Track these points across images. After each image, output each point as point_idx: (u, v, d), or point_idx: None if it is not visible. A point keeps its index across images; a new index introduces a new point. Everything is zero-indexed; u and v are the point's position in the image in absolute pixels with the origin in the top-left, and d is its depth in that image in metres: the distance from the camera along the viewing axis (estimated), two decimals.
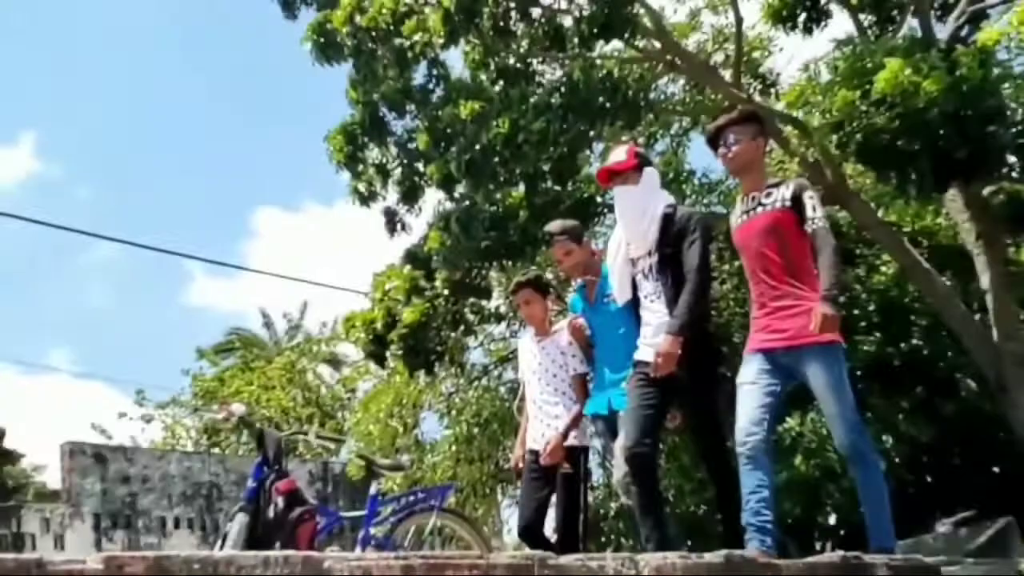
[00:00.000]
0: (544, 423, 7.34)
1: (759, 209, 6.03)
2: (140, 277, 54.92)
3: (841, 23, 14.18)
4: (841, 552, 5.23)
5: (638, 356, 6.37)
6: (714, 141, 6.26)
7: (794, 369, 5.87)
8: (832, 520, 13.98)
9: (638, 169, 6.57)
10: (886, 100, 10.47)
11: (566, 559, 4.36)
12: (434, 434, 21.65)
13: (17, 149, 54.19)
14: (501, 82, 13.35)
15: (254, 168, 54.97)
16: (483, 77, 13.60)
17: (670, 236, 6.33)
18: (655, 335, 6.27)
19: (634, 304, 6.60)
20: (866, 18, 13.83)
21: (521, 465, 7.73)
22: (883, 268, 14.36)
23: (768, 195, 6.02)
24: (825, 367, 5.74)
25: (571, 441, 7.25)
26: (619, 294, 6.72)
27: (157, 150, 53.79)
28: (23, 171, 52.56)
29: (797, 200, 5.90)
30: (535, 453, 7.40)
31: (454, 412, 20.47)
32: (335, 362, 31.28)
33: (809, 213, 5.87)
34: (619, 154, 6.74)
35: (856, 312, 14.23)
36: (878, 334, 14.14)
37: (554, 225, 7.59)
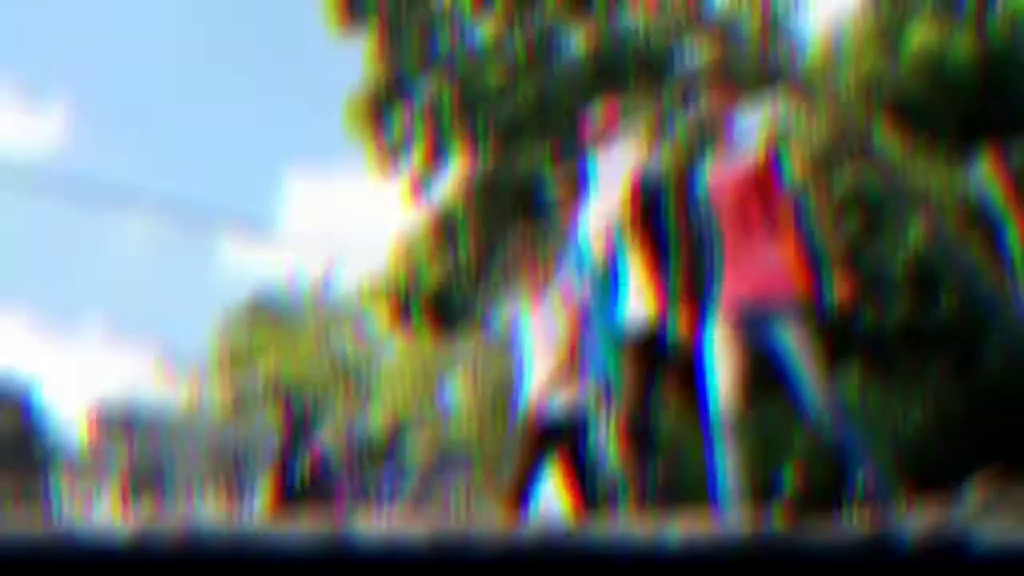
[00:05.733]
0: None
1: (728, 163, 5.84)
2: (171, 242, 55.09)
3: None
4: (868, 519, 5.18)
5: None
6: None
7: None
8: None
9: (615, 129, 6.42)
10: (915, 61, 10.36)
11: (592, 523, 4.34)
12: (458, 399, 21.69)
13: (49, 116, 54.37)
14: (525, 48, 13.29)
15: (284, 134, 54.94)
16: (508, 44, 13.53)
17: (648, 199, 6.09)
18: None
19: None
20: None
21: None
22: (912, 229, 14.25)
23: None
24: (795, 323, 5.53)
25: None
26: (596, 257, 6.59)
27: (189, 115, 53.85)
28: (56, 137, 52.72)
29: (770, 155, 5.76)
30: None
31: (478, 377, 20.48)
32: (359, 328, 31.34)
33: (787, 174, 5.73)
34: (600, 113, 6.60)
35: (884, 278, 14.16)
36: (906, 301, 14.08)
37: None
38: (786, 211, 5.70)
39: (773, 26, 14.67)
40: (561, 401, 6.90)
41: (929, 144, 11.68)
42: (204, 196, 53.68)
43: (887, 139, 14.18)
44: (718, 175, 5.83)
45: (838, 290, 5.47)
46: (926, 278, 14.21)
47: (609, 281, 6.44)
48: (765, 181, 5.69)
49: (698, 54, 15.79)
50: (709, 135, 6.07)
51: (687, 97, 6.19)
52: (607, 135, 6.32)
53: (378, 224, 46.75)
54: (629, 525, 4.36)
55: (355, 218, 47.31)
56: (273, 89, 53.60)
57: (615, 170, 6.23)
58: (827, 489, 13.33)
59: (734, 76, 15.32)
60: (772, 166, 5.70)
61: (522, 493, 7.05)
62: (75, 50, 52.61)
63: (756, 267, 5.64)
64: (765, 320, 5.59)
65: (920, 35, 10.33)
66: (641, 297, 6.03)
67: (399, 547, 4.02)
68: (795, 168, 5.72)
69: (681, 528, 4.30)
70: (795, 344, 5.50)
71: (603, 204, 6.37)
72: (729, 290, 5.69)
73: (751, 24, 14.97)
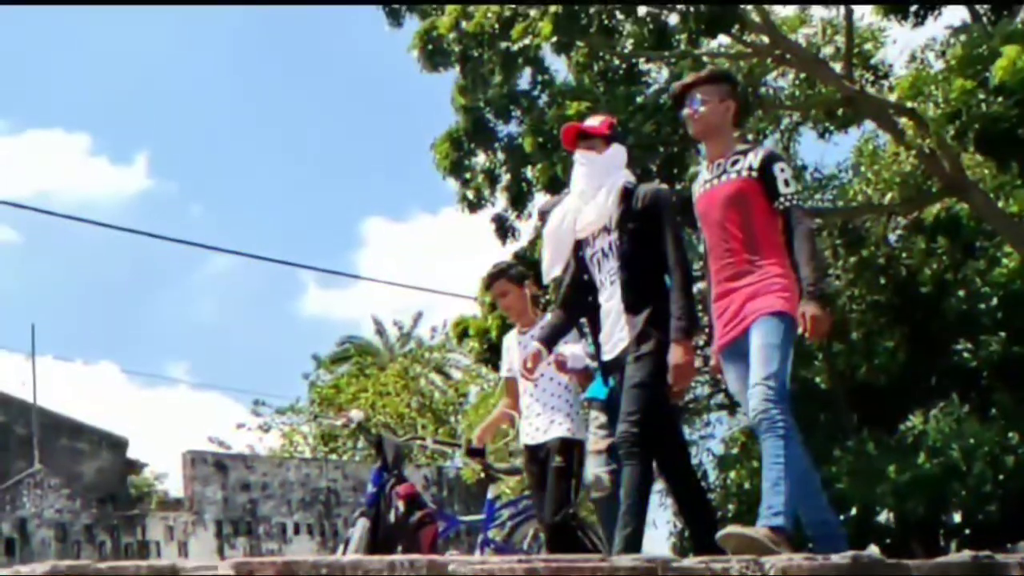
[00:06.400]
0: (533, 426, 7.13)
1: (723, 177, 5.48)
2: (254, 289, 55.89)
3: (954, 11, 13.87)
4: (971, 552, 5.04)
5: (606, 356, 5.79)
6: (679, 101, 5.69)
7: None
8: (957, 519, 13.69)
9: (607, 141, 5.97)
10: (1005, 88, 10.20)
11: (689, 562, 4.25)
12: None
13: (132, 168, 55.55)
14: (605, 83, 13.32)
15: (361, 179, 55.66)
16: (587, 79, 13.57)
17: (632, 212, 5.71)
18: (616, 324, 5.71)
19: (578, 287, 5.99)
20: (981, 6, 13.49)
21: (477, 444, 7.71)
22: (1005, 261, 14.01)
23: (734, 162, 5.47)
24: (761, 332, 5.21)
25: (566, 434, 6.89)
26: (549, 264, 6.13)
27: (266, 165, 54.78)
28: (138, 189, 53.85)
29: (766, 170, 5.37)
30: (530, 449, 7.13)
31: None
32: (444, 369, 31.42)
33: (781, 188, 5.34)
34: (593, 121, 6.23)
35: (980, 307, 13.92)
36: (1002, 333, 13.82)
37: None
38: (771, 229, 5.42)
39: (858, 55, 14.56)
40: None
41: (1021, 172, 11.47)
42: (284, 243, 54.35)
43: (977, 167, 13.97)
44: (708, 195, 5.59)
45: (810, 318, 5.11)
46: (1020, 309, 13.94)
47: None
48: (749, 198, 5.41)
49: (782, 84, 15.73)
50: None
51: (682, 99, 5.79)
52: (595, 141, 5.98)
53: (455, 265, 47.02)
54: (727, 560, 4.28)
55: (436, 261, 47.61)
56: (351, 136, 54.27)
57: (595, 175, 5.92)
58: (924, 520, 13.08)
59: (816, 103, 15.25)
60: (758, 184, 5.40)
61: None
62: (155, 104, 53.77)
63: (736, 300, 5.39)
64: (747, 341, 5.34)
65: (1010, 61, 10.16)
66: (616, 320, 5.72)
67: None
68: (787, 186, 5.34)
69: (780, 561, 4.23)
70: (753, 347, 5.25)
71: (570, 211, 6.02)
72: (719, 317, 5.49)
73: (835, 54, 14.87)
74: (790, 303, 5.26)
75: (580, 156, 6.04)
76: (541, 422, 7.03)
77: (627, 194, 5.81)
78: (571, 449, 6.88)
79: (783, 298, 5.27)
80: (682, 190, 13.34)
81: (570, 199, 6.12)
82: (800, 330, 5.20)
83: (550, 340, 6.06)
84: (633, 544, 5.28)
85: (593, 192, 5.90)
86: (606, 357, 5.84)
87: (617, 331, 5.72)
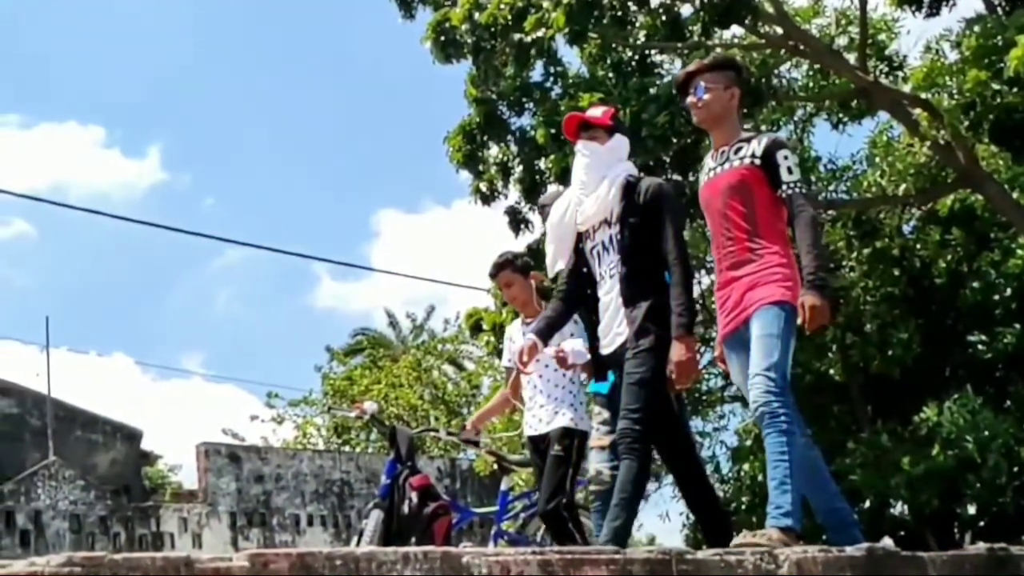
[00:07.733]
0: (536, 417, 7.13)
1: (726, 165, 5.46)
2: (268, 281, 56.07)
3: (968, 1, 13.82)
4: (986, 544, 5.02)
5: (605, 350, 5.80)
6: (684, 89, 5.68)
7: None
8: (972, 511, 13.64)
9: (610, 132, 5.96)
10: (1020, 78, 10.15)
11: (703, 554, 4.25)
12: None
13: (146, 160, 55.73)
14: (618, 75, 13.29)
15: (374, 171, 55.80)
16: (600, 71, 13.55)
17: (634, 206, 5.67)
18: (614, 318, 5.69)
19: (577, 279, 5.99)
20: None
21: (470, 430, 7.97)
22: (1020, 252, 13.94)
23: (738, 150, 5.46)
24: (761, 322, 5.19)
25: (568, 423, 6.94)
26: (553, 259, 6.13)
27: (280, 157, 54.92)
28: (151, 181, 54.02)
29: (769, 157, 5.35)
30: (533, 441, 7.20)
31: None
32: (457, 362, 31.46)
33: (784, 176, 5.31)
34: (596, 111, 6.19)
35: (995, 298, 13.85)
36: (1017, 324, 13.77)
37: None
38: (774, 218, 5.41)
39: (872, 46, 14.49)
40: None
41: None
42: (298, 235, 54.52)
43: (992, 158, 13.91)
44: (711, 184, 5.59)
45: (809, 308, 5.11)
46: None
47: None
48: (751, 186, 5.39)
49: (795, 75, 15.66)
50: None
51: (686, 87, 5.75)
52: (597, 131, 5.97)
53: (468, 257, 47.07)
54: (741, 551, 4.27)
55: (449, 253, 47.67)
56: (365, 128, 54.31)
57: (597, 166, 5.87)
58: (939, 512, 13.03)
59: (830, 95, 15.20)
60: (760, 171, 5.37)
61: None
62: (169, 97, 53.89)
63: (737, 289, 5.39)
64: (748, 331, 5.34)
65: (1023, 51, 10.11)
66: (614, 315, 5.70)
67: None
68: (790, 173, 5.32)
69: (795, 554, 4.22)
70: (754, 338, 5.25)
71: (572, 204, 6.00)
72: (721, 306, 5.50)
73: (849, 45, 14.80)
74: (791, 292, 5.25)
75: (582, 147, 6.01)
76: (544, 413, 7.05)
77: (629, 188, 5.79)
78: (572, 438, 6.89)
79: (784, 287, 5.26)
80: (695, 182, 13.33)
81: (571, 191, 6.11)
82: (799, 320, 5.18)
83: (545, 333, 6.04)
84: (620, 535, 5.30)
85: (595, 184, 5.88)
86: (604, 351, 5.85)
87: (616, 325, 5.72)
